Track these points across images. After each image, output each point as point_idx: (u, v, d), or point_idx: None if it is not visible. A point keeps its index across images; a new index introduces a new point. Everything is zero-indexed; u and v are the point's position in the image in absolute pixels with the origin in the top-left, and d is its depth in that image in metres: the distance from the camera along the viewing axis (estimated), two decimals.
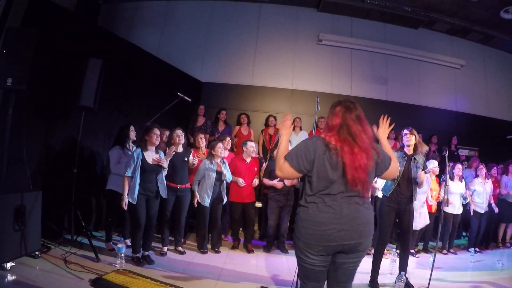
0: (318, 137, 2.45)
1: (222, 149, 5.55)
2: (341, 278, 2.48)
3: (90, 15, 8.39)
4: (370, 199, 2.61)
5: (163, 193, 4.76)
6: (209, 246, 5.65)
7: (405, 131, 4.64)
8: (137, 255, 4.62)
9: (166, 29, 9.27)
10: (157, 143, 4.68)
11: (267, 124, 8.05)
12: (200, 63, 9.05)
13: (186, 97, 6.13)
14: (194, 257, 5.24)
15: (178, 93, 6.04)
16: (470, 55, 10.56)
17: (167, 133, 5.44)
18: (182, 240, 5.54)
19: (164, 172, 4.80)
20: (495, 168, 7.76)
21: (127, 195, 4.44)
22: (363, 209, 2.38)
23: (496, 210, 7.35)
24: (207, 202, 5.40)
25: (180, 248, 5.34)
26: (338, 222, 2.30)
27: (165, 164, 4.70)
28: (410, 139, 4.58)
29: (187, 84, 8.27)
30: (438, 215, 6.86)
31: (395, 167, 2.63)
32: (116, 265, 4.31)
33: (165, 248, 5.20)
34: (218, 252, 5.56)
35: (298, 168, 2.40)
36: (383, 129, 2.98)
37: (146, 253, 4.72)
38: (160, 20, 9.35)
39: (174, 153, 4.86)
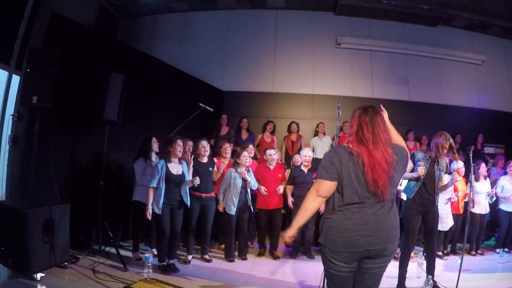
0: (339, 146, 2.47)
1: (247, 158, 5.59)
2: (367, 284, 2.48)
3: (110, 30, 8.66)
4: (396, 203, 2.59)
5: (187, 201, 4.84)
6: (236, 253, 5.70)
7: (442, 140, 4.50)
8: (163, 263, 4.72)
9: (185, 40, 9.46)
10: (180, 154, 4.80)
11: (289, 131, 8.09)
12: (220, 73, 9.19)
13: (208, 107, 6.23)
14: (221, 264, 5.28)
15: (200, 104, 6.14)
16: (490, 50, 10.34)
17: (190, 143, 5.50)
18: (208, 248, 5.58)
19: (196, 184, 4.86)
20: None
21: (152, 205, 4.55)
22: (388, 213, 2.37)
23: None
24: (233, 210, 5.43)
25: (206, 256, 5.41)
26: (363, 228, 2.30)
27: (197, 180, 4.79)
28: (445, 143, 4.48)
29: (209, 93, 8.36)
30: (465, 216, 6.83)
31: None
32: (144, 274, 4.40)
33: (190, 257, 5.28)
34: (245, 259, 5.60)
35: (330, 176, 2.37)
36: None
37: (171, 261, 4.82)
38: (179, 32, 9.55)
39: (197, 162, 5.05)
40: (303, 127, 8.40)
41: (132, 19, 9.56)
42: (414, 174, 4.51)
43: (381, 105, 2.81)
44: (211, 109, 6.34)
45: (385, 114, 2.73)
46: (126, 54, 6.58)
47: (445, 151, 4.54)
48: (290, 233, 2.55)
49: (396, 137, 2.69)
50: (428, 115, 8.77)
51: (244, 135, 7.96)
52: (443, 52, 9.83)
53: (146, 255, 4.57)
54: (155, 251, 5.19)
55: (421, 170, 4.44)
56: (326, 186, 2.39)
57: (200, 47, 9.35)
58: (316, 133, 8.41)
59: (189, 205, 4.90)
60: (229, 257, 5.49)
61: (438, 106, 9.53)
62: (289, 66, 9.24)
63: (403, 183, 5.80)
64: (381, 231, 2.33)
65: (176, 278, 4.49)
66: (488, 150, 9.29)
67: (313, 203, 2.45)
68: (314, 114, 8.91)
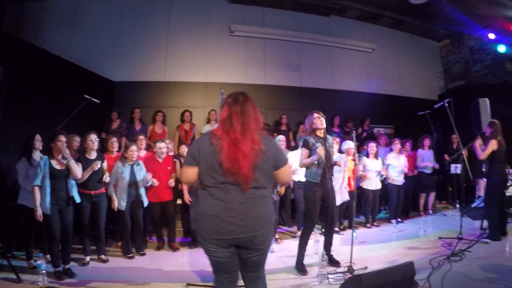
0: (204, 134, 2.53)
1: (135, 151, 5.35)
2: (250, 269, 2.50)
3: None
4: (269, 191, 2.51)
5: (77, 197, 4.59)
6: (134, 250, 5.48)
7: (316, 114, 4.64)
8: (59, 269, 4.40)
9: (75, 28, 8.65)
10: (64, 149, 4.40)
11: (182, 120, 7.87)
12: (111, 62, 8.57)
13: (94, 99, 5.87)
14: (119, 263, 5.05)
15: (86, 96, 5.79)
16: (381, 39, 11.07)
17: (77, 139, 5.21)
18: (104, 248, 5.28)
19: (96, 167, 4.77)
20: (409, 143, 8.09)
21: (40, 206, 4.22)
22: (257, 202, 2.36)
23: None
24: (123, 206, 5.23)
25: (103, 256, 5.10)
26: (229, 215, 2.29)
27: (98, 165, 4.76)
28: (323, 122, 4.63)
29: (99, 84, 7.86)
30: (359, 192, 7.14)
31: (287, 172, 2.58)
32: (39, 283, 4.04)
33: (88, 258, 4.98)
34: (143, 254, 5.42)
35: (188, 163, 2.44)
36: None
37: (67, 266, 4.49)
38: (69, 19, 8.71)
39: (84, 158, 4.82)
40: (196, 115, 8.21)
41: (20, 5, 8.56)
42: (315, 157, 4.51)
43: None
44: (97, 101, 5.96)
45: None
46: (9, 45, 6.00)
47: (320, 129, 4.65)
48: None
49: None
50: (320, 100, 9.01)
51: (138, 126, 7.59)
52: (335, 41, 10.23)
53: (39, 262, 4.19)
54: (48, 257, 4.73)
55: (321, 150, 4.45)
56: (186, 173, 2.46)
57: (90, 35, 8.62)
58: (208, 121, 8.32)
59: (78, 200, 4.62)
60: (127, 254, 5.28)
61: (330, 92, 9.92)
62: (181, 54, 8.95)
63: (300, 171, 5.85)
64: (247, 219, 2.31)
65: (72, 283, 4.19)
66: (378, 130, 9.79)
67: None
68: (207, 102, 8.73)
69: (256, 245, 2.37)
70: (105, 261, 5.02)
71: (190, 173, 2.44)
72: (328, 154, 4.61)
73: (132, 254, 5.28)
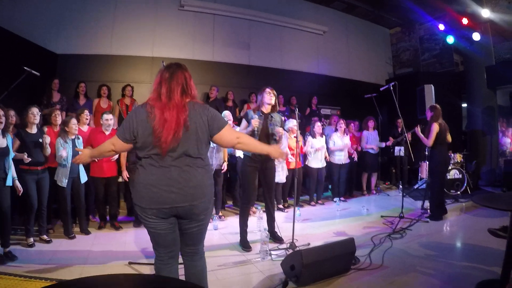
0: (140, 105, 2.44)
1: (76, 125, 5.10)
2: (188, 242, 2.49)
3: None
4: (206, 160, 2.49)
5: (13, 174, 4.27)
6: (78, 229, 5.34)
7: (268, 89, 4.66)
8: None
9: None
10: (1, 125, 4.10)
11: (123, 94, 7.57)
12: (54, 34, 7.98)
13: (34, 71, 5.47)
14: (61, 244, 4.82)
15: (25, 68, 5.37)
16: (332, 22, 11.18)
17: (12, 113, 4.76)
18: (47, 227, 5.09)
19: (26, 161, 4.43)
20: (353, 124, 8.24)
21: None
22: (194, 170, 2.34)
23: (355, 159, 8.10)
24: (64, 182, 4.97)
25: (45, 237, 4.86)
26: (166, 183, 2.27)
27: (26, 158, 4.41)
28: (272, 98, 4.65)
29: (40, 57, 7.32)
30: (304, 171, 7.19)
31: (228, 134, 2.45)
32: None
33: (31, 239, 4.68)
34: (88, 233, 5.26)
35: (124, 138, 2.37)
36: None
37: (7, 249, 4.19)
38: None
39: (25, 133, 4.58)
40: (142, 91, 7.88)
41: None
42: (249, 128, 4.54)
43: None
44: (38, 74, 5.54)
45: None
46: None
47: (272, 105, 4.70)
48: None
49: None
50: (267, 79, 8.86)
51: (82, 101, 7.21)
52: (287, 21, 10.18)
53: None
54: None
55: (255, 122, 4.48)
56: (119, 144, 2.41)
57: (33, 5, 8.02)
58: None
59: (16, 179, 4.31)
60: (68, 235, 5.06)
61: (278, 71, 9.94)
62: (129, 27, 8.53)
63: None
64: (186, 188, 2.29)
65: (12, 267, 3.91)
66: (325, 111, 9.97)
67: (108, 154, 2.57)
68: (153, 78, 8.31)
69: (196, 215, 2.36)
70: (48, 242, 4.80)
71: (125, 147, 2.42)
72: (264, 129, 4.62)
73: (73, 234, 5.09)
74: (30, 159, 4.44)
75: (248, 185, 4.70)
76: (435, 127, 5.91)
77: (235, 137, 2.48)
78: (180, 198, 2.27)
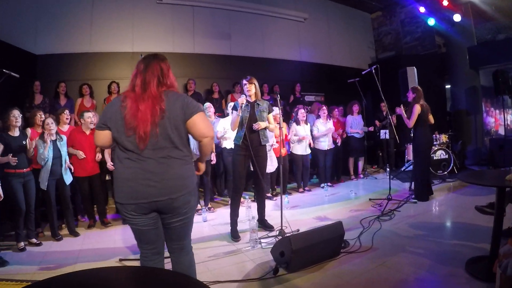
0: (117, 97, 2.41)
1: (52, 124, 4.95)
2: (173, 237, 2.43)
3: None
4: (186, 151, 2.37)
5: None
6: (67, 231, 5.26)
7: (244, 81, 4.71)
8: None
9: None
10: None
11: (109, 91, 7.49)
12: (33, 34, 7.82)
13: (12, 73, 5.36)
14: (51, 246, 4.79)
15: (4, 70, 5.26)
16: (313, 9, 11.14)
17: None
18: (37, 230, 5.06)
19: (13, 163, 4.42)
20: (336, 109, 8.26)
21: None
22: (172, 162, 2.27)
23: (339, 144, 8.10)
24: (44, 185, 4.87)
25: (34, 240, 4.80)
26: (144, 177, 2.21)
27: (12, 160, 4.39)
28: (250, 89, 4.68)
29: (19, 59, 7.17)
30: (290, 158, 7.19)
31: (201, 121, 2.31)
32: None
33: (22, 244, 4.63)
34: (77, 235, 5.18)
35: (98, 126, 2.35)
36: None
37: None
38: None
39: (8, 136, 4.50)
40: (124, 86, 7.72)
41: None
42: (238, 112, 4.56)
43: None
44: (17, 75, 5.44)
45: None
46: None
47: (254, 94, 4.73)
48: None
49: None
50: (250, 68, 8.84)
51: (63, 101, 7.11)
52: (267, 9, 10.10)
53: None
54: None
55: (242, 99, 4.54)
56: (97, 135, 2.36)
57: (10, 7, 7.83)
58: None
59: None
60: (55, 236, 5.01)
61: (260, 60, 9.89)
62: (107, 23, 8.38)
63: (230, 134, 5.80)
64: (164, 180, 2.23)
65: (3, 272, 3.88)
66: (309, 98, 9.97)
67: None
68: None
69: (177, 208, 2.29)
70: (38, 245, 4.76)
71: (101, 135, 2.34)
72: (253, 118, 4.65)
73: (60, 236, 5.04)
74: (17, 160, 4.39)
75: (237, 173, 4.72)
76: (417, 108, 5.95)
77: (208, 128, 2.37)
78: (159, 192, 2.20)
